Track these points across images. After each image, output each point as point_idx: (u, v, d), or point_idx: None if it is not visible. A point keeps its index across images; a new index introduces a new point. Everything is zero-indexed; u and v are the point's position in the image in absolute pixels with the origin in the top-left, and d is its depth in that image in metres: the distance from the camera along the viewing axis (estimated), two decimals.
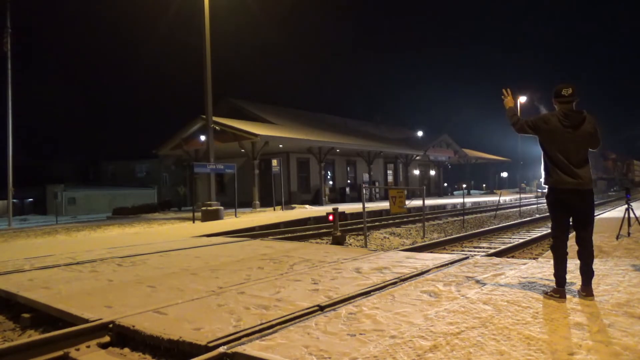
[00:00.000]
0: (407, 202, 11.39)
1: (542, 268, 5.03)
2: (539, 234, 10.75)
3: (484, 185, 51.59)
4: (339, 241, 8.96)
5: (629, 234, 7.67)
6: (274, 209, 20.38)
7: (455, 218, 16.65)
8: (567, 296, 3.79)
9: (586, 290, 3.78)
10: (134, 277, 5.47)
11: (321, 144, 25.34)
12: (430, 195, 35.99)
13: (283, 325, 3.33)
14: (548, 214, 4.13)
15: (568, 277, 3.86)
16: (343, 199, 27.33)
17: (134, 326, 3.40)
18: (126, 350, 3.35)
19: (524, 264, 5.66)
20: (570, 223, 3.90)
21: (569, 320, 3.23)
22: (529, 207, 19.73)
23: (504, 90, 4.26)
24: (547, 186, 3.91)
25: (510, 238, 10.95)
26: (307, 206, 21.85)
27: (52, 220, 25.11)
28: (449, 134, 39.36)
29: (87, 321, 3.63)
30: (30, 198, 42.50)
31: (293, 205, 21.82)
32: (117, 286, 4.94)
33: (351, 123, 38.45)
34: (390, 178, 34.89)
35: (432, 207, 21.02)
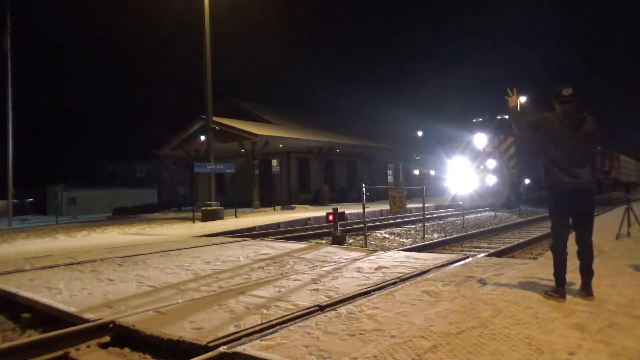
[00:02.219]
0: (407, 202, 11.38)
1: (542, 268, 5.03)
2: (539, 234, 10.75)
3: None
4: (339, 241, 8.96)
5: (629, 234, 7.67)
6: (274, 209, 20.39)
7: (456, 218, 16.64)
8: (567, 296, 3.79)
9: (586, 290, 3.78)
10: (134, 276, 5.47)
11: (321, 144, 25.35)
12: (430, 195, 35.87)
13: (283, 325, 3.33)
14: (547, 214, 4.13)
15: (568, 277, 3.86)
16: (343, 199, 27.33)
17: (134, 326, 3.41)
18: (126, 350, 3.35)
19: (524, 263, 5.66)
20: (570, 223, 3.91)
21: (569, 320, 3.24)
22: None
23: (508, 90, 4.25)
24: (546, 186, 3.91)
25: (510, 238, 10.95)
26: (307, 206, 21.86)
27: (52, 220, 25.13)
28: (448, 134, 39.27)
29: (87, 321, 3.63)
30: (31, 198, 42.52)
31: (293, 205, 21.83)
32: (118, 286, 4.95)
33: (351, 123, 38.44)
34: (390, 178, 34.88)
35: (431, 208, 21.01)
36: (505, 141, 20.12)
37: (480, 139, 20.26)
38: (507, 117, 18.30)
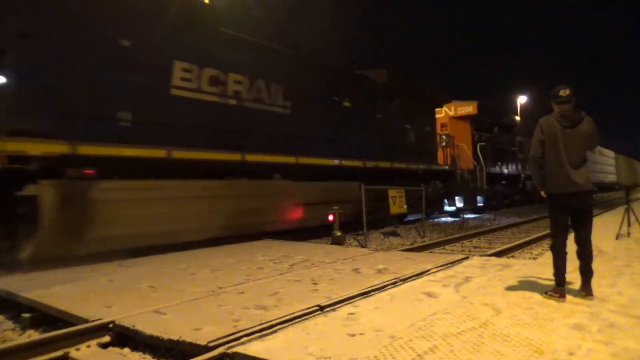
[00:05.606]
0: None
1: (542, 268, 5.03)
2: (539, 234, 10.75)
3: None
4: (339, 241, 8.96)
5: (628, 234, 7.68)
6: None
7: (455, 218, 16.66)
8: (567, 296, 3.79)
9: (586, 290, 3.79)
10: (134, 277, 5.47)
11: None
12: None
13: (283, 325, 3.33)
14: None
15: (568, 277, 3.86)
16: None
17: (134, 326, 3.40)
18: (126, 350, 3.35)
19: (524, 264, 5.67)
20: (569, 223, 3.92)
21: (569, 320, 3.24)
22: None
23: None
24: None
25: (509, 238, 10.95)
26: None
27: None
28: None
29: (87, 321, 3.63)
30: None
31: None
32: (117, 286, 4.94)
33: None
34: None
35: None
36: None
37: None
38: None
